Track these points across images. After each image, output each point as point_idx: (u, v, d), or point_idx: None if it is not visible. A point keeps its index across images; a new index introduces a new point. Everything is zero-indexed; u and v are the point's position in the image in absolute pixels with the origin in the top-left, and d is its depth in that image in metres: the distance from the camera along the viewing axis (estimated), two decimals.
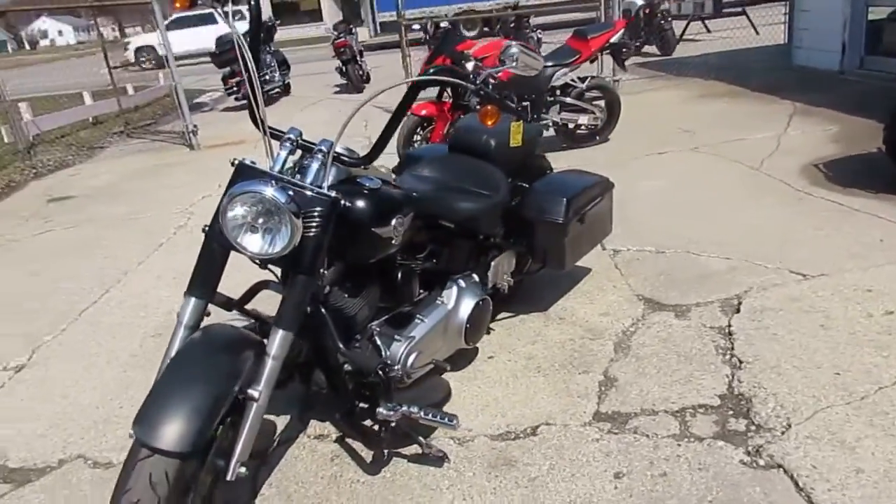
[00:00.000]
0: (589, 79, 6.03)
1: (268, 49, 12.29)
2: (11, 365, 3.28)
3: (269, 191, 1.81)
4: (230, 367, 1.85)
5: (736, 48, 10.63)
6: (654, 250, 3.78)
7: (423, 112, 5.64)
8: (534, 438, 2.36)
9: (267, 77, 11.72)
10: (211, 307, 2.15)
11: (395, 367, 2.28)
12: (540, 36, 12.72)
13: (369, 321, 2.34)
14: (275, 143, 2.08)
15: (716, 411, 2.39)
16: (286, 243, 1.84)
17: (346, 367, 2.18)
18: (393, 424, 2.18)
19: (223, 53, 11.53)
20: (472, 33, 15.21)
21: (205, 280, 2.00)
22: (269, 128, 2.11)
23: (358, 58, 12.25)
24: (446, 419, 2.11)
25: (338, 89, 12.41)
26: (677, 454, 2.20)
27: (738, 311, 3.02)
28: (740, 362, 2.64)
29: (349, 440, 2.42)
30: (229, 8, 2.03)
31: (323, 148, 2.02)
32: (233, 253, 1.94)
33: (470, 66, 6.00)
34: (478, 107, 2.27)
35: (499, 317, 3.20)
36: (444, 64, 5.65)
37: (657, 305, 3.19)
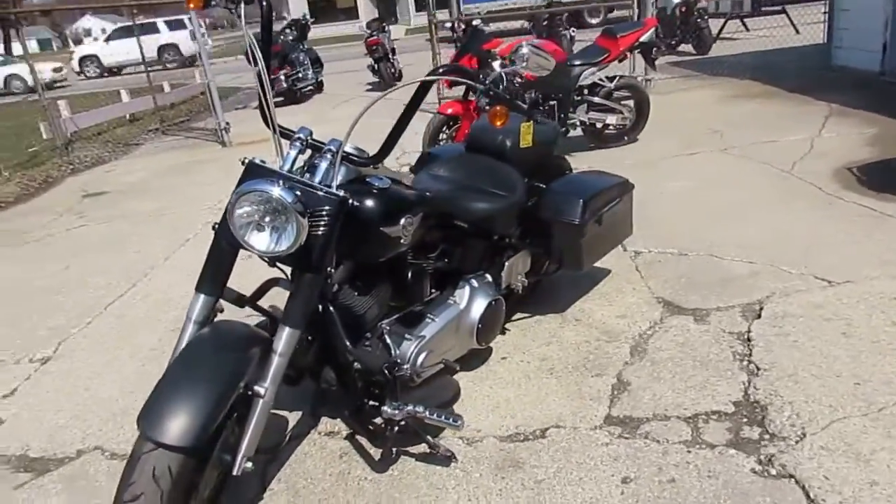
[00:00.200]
0: (618, 78, 5.96)
1: (301, 47, 12.44)
2: (38, 357, 3.37)
3: (276, 190, 1.82)
4: (236, 364, 1.88)
5: (774, 48, 10.42)
6: (677, 252, 3.72)
7: (449, 111, 5.65)
8: (542, 441, 2.35)
9: (300, 75, 11.87)
10: (224, 304, 2.20)
11: (405, 366, 2.29)
12: (573, 34, 12.62)
13: (379, 320, 2.34)
14: (285, 143, 2.10)
15: (729, 418, 2.35)
16: (292, 242, 1.85)
17: (356, 365, 2.19)
18: (400, 423, 2.18)
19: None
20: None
21: (213, 277, 2.02)
22: (280, 127, 2.13)
23: (390, 55, 12.31)
24: (451, 419, 2.11)
25: (370, 87, 12.49)
26: (687, 461, 2.16)
27: (758, 316, 2.96)
28: (758, 369, 2.59)
29: (359, 438, 2.43)
30: (241, 10, 2.05)
31: (332, 147, 2.04)
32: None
33: (496, 64, 5.98)
34: (487, 107, 2.26)
35: (515, 317, 3.19)
36: (470, 63, 5.67)
37: (676, 309, 3.14)
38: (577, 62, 5.79)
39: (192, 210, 5.65)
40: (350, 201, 1.97)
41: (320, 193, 1.94)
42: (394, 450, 2.33)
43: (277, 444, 2.48)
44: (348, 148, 2.10)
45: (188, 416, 1.70)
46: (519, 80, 5.67)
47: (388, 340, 2.34)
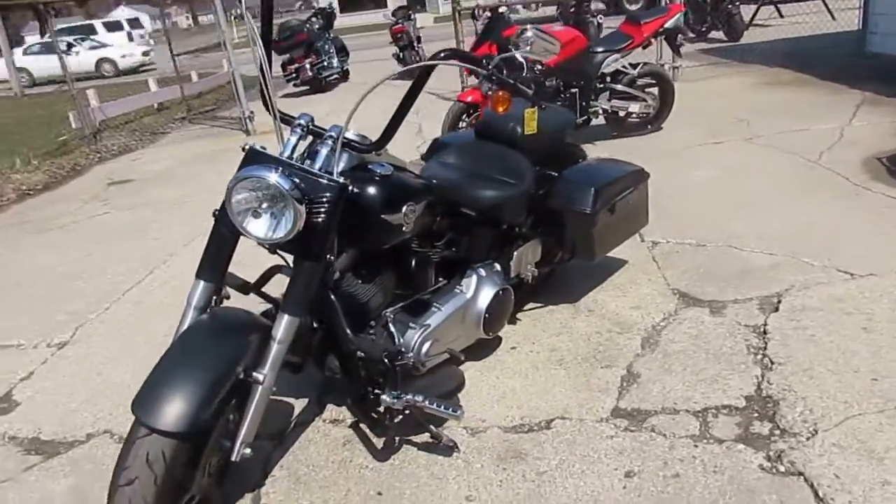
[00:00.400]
0: (641, 65, 5.85)
1: (327, 36, 12.45)
2: (55, 341, 3.42)
3: (273, 176, 1.81)
4: (234, 350, 1.88)
5: (807, 34, 10.14)
6: (695, 243, 3.65)
7: (469, 98, 5.59)
8: (547, 432, 2.31)
9: (325, 63, 11.88)
10: (232, 291, 2.21)
11: (408, 355, 2.27)
12: (601, 21, 12.44)
13: (384, 308, 2.33)
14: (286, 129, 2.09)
15: (740, 413, 2.29)
16: (290, 229, 1.84)
17: (359, 353, 2.18)
18: (403, 412, 2.17)
19: (283, 40, 11.75)
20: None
21: (213, 264, 2.03)
22: (281, 113, 2.12)
23: (415, 43, 12.27)
24: (451, 409, 2.09)
25: (396, 76, 12.43)
26: (693, 455, 2.11)
27: (776, 309, 2.89)
28: (772, 363, 2.52)
29: (362, 426, 2.43)
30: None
31: (332, 134, 2.02)
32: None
33: (518, 53, 5.93)
34: (489, 93, 2.22)
35: (527, 307, 3.15)
36: (490, 50, 5.61)
37: (692, 301, 3.07)
38: (600, 49, 5.68)
39: (215, 197, 5.56)
40: (350, 188, 1.95)
41: (320, 180, 1.92)
42: (396, 438, 2.32)
43: (282, 431, 2.48)
44: (349, 134, 2.08)
45: (182, 402, 1.70)
46: (540, 67, 5.61)
47: (393, 329, 2.32)
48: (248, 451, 1.95)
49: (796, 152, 4.94)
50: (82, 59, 21.67)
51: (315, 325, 2.21)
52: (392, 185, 2.10)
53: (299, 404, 2.63)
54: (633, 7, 17.94)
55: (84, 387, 2.96)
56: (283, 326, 1.93)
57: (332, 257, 2.02)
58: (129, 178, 7.06)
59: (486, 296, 2.58)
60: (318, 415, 2.56)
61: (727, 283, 3.18)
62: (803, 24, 10.57)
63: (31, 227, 5.64)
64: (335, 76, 12.14)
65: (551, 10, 18.13)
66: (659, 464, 2.10)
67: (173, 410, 1.69)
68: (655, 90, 5.96)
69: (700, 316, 2.93)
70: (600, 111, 5.86)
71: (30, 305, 3.93)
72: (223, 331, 1.94)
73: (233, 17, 9.07)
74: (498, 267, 2.70)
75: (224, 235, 2.01)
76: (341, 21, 14.28)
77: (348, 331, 2.09)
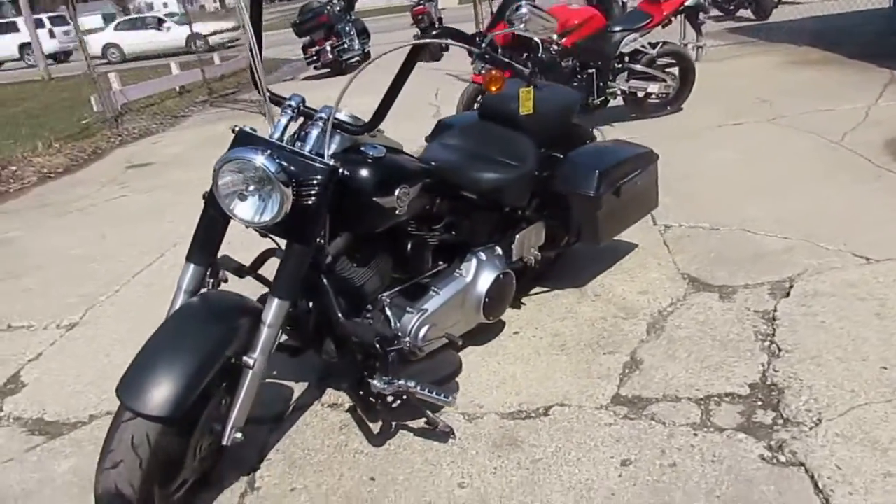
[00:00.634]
0: (661, 45, 5.71)
1: (348, 17, 12.38)
2: (65, 323, 3.46)
3: (259, 159, 1.79)
4: (222, 334, 1.87)
5: (837, 11, 9.87)
6: (709, 227, 3.56)
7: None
8: (544, 419, 2.28)
9: (346, 45, 11.83)
10: (227, 274, 2.20)
11: (405, 340, 2.24)
12: (626, 0, 12.20)
13: (381, 292, 2.30)
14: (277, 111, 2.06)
15: (743, 401, 2.23)
16: (276, 212, 1.82)
17: (354, 338, 2.16)
18: (398, 397, 2.15)
19: (304, 23, 11.72)
20: None
21: (203, 246, 2.01)
22: (271, 93, 2.09)
23: (436, 25, 12.15)
24: (442, 395, 2.06)
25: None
26: (692, 444, 2.06)
27: (787, 295, 2.81)
28: (779, 350, 2.46)
29: (360, 410, 2.41)
30: None
31: (323, 115, 1.98)
32: None
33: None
34: (482, 72, 2.16)
35: (533, 291, 3.10)
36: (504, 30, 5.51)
37: (701, 285, 3.00)
38: (618, 28, 5.56)
39: None
40: (341, 170, 1.93)
41: (309, 162, 1.90)
42: (393, 424, 2.31)
43: (280, 414, 2.48)
44: (341, 115, 2.05)
45: (167, 385, 1.70)
46: (556, 47, 5.51)
47: (389, 313, 2.29)
48: (239, 435, 1.95)
49: (819, 133, 4.80)
50: (174, 34, 21.45)
51: (310, 307, 2.19)
52: (384, 168, 2.06)
53: (299, 388, 2.62)
54: None
55: (90, 368, 2.98)
56: (273, 310, 1.92)
57: (323, 241, 2.00)
58: (148, 162, 7.11)
59: (486, 280, 2.54)
60: (318, 398, 2.55)
61: (739, 267, 3.10)
62: (833, 1, 10.28)
63: (50, 210, 5.71)
64: (356, 59, 12.08)
65: None
66: (656, 452, 2.06)
67: (158, 394, 1.68)
68: (675, 70, 5.83)
69: (708, 301, 2.86)
70: (618, 92, 5.76)
71: (43, 287, 3.98)
72: (212, 314, 1.92)
73: None
74: (499, 250, 2.66)
75: (214, 218, 2.00)
76: (362, 3, 14.15)
77: (340, 315, 2.07)
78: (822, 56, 7.48)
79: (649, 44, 5.69)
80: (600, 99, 5.66)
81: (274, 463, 2.24)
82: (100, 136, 8.38)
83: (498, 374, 2.57)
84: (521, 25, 2.03)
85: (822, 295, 2.76)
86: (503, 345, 2.75)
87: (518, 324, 2.88)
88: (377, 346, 2.06)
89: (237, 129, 1.99)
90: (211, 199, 1.96)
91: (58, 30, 23.78)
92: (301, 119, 2.06)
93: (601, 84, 5.64)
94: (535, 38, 5.28)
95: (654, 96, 5.83)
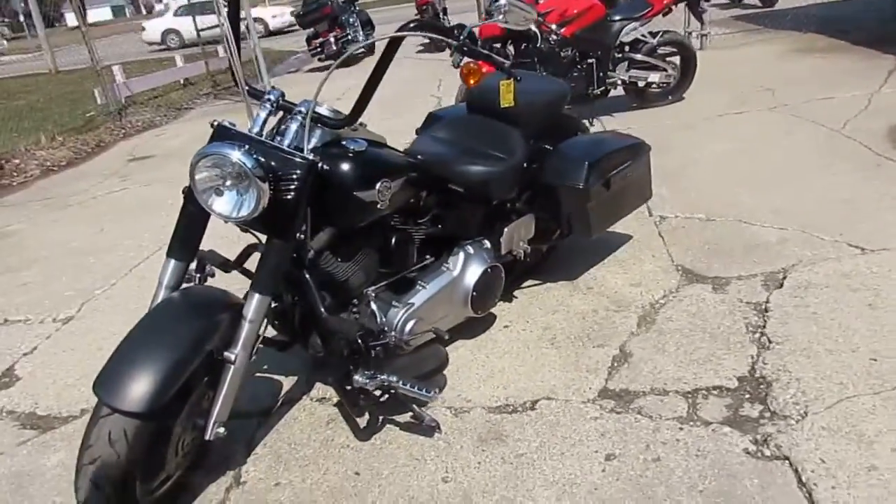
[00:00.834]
0: (661, 33, 5.66)
1: (352, 9, 12.33)
2: (60, 317, 3.48)
3: (235, 154, 1.78)
4: (202, 329, 1.86)
5: None
6: (705, 218, 3.53)
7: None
8: (531, 413, 2.27)
9: (350, 37, 11.78)
10: (214, 269, 2.20)
11: (391, 334, 2.24)
12: None
13: (366, 286, 2.29)
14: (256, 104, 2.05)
15: (731, 394, 2.21)
16: (253, 207, 1.81)
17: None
18: (386, 392, 2.15)
19: (307, 14, 11.69)
20: None
21: (183, 242, 2.01)
22: (249, 87, 2.08)
23: (441, 16, 12.08)
24: (425, 390, 2.06)
25: (420, 48, 12.30)
26: (677, 438, 2.05)
27: (780, 286, 2.78)
28: (769, 342, 2.44)
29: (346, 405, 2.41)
30: None
31: (302, 109, 1.97)
32: None
33: (532, 24, 5.72)
34: (460, 65, 2.15)
35: (524, 284, 3.09)
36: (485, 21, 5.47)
37: (695, 277, 2.98)
38: (618, 17, 5.51)
39: None
40: (320, 165, 1.92)
41: (287, 157, 1.89)
42: (380, 418, 2.30)
43: (269, 409, 2.48)
44: (321, 109, 2.03)
45: (144, 381, 1.70)
46: (554, 37, 5.47)
47: (374, 307, 2.29)
48: (221, 430, 1.95)
49: (820, 121, 4.75)
50: None
51: (294, 301, 2.19)
52: (365, 162, 2.05)
53: (288, 382, 2.62)
54: None
55: (83, 362, 2.99)
56: (254, 305, 1.92)
57: (303, 236, 1.99)
58: (150, 154, 7.12)
59: (473, 273, 2.53)
60: (306, 393, 2.55)
61: (733, 258, 3.08)
62: None
63: (51, 203, 5.73)
64: (361, 50, 12.02)
65: None
66: (641, 447, 2.04)
67: (134, 390, 1.68)
68: (676, 59, 5.78)
69: (701, 293, 2.84)
70: (619, 82, 5.71)
71: (41, 281, 3.99)
72: (192, 309, 1.92)
73: None
74: (487, 244, 2.64)
75: (194, 213, 1.99)
76: None
77: (323, 310, 2.06)
78: (827, 43, 7.39)
79: (650, 33, 5.63)
80: (600, 89, 5.61)
81: (260, 458, 2.25)
82: (103, 129, 8.39)
83: (486, 367, 2.56)
84: (501, 17, 2.00)
85: (815, 286, 2.73)
86: (493, 338, 2.74)
87: (508, 317, 2.86)
88: (359, 341, 2.06)
89: (216, 123, 1.99)
90: (190, 194, 1.96)
91: None
92: (281, 113, 2.05)
93: (601, 74, 5.58)
94: (533, 28, 5.25)
95: (655, 86, 5.77)
